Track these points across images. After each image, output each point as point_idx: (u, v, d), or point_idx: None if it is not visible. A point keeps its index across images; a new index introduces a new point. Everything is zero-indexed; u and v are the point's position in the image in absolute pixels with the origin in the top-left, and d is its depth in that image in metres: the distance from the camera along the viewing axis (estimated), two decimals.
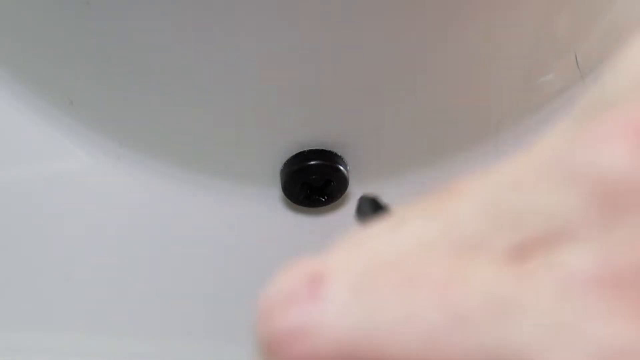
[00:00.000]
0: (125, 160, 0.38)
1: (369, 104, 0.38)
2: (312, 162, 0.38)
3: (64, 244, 0.40)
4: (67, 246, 0.40)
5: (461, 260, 0.13)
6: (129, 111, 0.37)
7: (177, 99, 0.37)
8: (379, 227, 0.14)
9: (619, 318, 0.11)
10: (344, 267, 0.13)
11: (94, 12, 0.33)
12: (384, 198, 0.41)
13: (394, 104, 0.38)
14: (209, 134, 0.38)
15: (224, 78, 0.35)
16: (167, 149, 0.39)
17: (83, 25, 0.34)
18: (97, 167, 0.38)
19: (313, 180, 0.38)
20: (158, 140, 0.38)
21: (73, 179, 0.39)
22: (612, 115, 0.12)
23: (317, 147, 0.38)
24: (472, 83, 0.38)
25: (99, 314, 0.41)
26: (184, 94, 0.36)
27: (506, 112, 0.40)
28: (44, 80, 0.36)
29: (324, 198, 0.39)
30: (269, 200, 0.40)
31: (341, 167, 0.38)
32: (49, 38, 0.35)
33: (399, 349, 0.12)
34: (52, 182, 0.39)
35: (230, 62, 0.35)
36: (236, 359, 0.40)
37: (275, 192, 0.40)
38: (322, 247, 0.15)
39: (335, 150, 0.39)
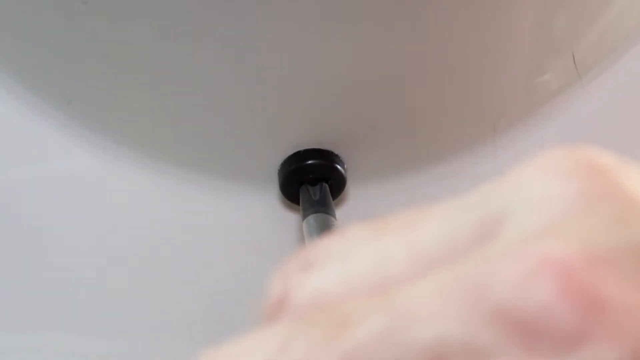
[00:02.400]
0: (124, 159, 0.38)
1: (368, 104, 0.38)
2: (310, 162, 0.38)
3: (63, 244, 0.40)
4: (66, 246, 0.40)
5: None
6: (128, 111, 0.37)
7: (176, 99, 0.37)
8: (361, 232, 0.15)
9: None
10: (325, 255, 0.15)
11: (92, 11, 0.33)
12: (382, 197, 0.41)
13: (392, 104, 0.38)
14: (207, 133, 0.38)
15: (223, 78, 0.36)
16: (165, 148, 0.39)
17: (81, 24, 0.34)
18: (96, 166, 0.38)
19: (310, 180, 0.38)
20: (156, 139, 0.38)
21: (71, 179, 0.39)
22: (531, 251, 0.12)
23: (315, 147, 0.39)
24: (470, 83, 0.38)
25: (99, 314, 0.41)
26: (183, 93, 0.36)
27: (504, 112, 0.40)
28: (42, 80, 0.36)
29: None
30: (267, 200, 0.40)
31: (339, 167, 0.38)
32: (47, 37, 0.35)
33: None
34: (51, 181, 0.39)
35: (229, 62, 0.35)
36: None
37: (273, 191, 0.40)
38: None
39: (332, 149, 0.39)
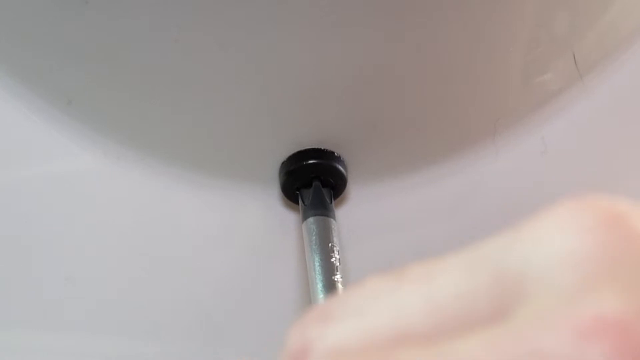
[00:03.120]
0: (124, 159, 0.38)
1: (368, 104, 0.38)
2: (310, 162, 0.38)
3: (64, 243, 0.39)
4: (67, 245, 0.40)
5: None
6: (128, 111, 0.37)
7: (176, 98, 0.37)
8: (379, 283, 0.15)
9: None
10: (343, 308, 0.15)
11: (93, 11, 0.33)
12: (382, 197, 0.41)
13: (392, 104, 0.38)
14: (208, 133, 0.38)
15: (223, 78, 0.35)
16: (166, 147, 0.39)
17: (81, 24, 0.34)
18: (96, 166, 0.38)
19: (310, 181, 0.38)
20: (157, 139, 0.38)
21: (72, 178, 0.39)
22: (581, 313, 0.12)
23: (315, 147, 0.39)
24: (471, 83, 0.38)
25: (99, 314, 0.41)
26: (183, 93, 0.36)
27: (505, 112, 0.40)
28: (43, 80, 0.36)
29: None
30: (267, 199, 0.40)
31: (339, 167, 0.38)
32: (47, 37, 0.35)
33: None
34: (51, 181, 0.39)
35: (229, 62, 0.35)
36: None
37: (273, 191, 0.40)
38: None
39: (333, 149, 0.39)
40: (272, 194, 0.40)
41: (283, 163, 0.38)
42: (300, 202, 0.38)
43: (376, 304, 0.14)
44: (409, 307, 0.14)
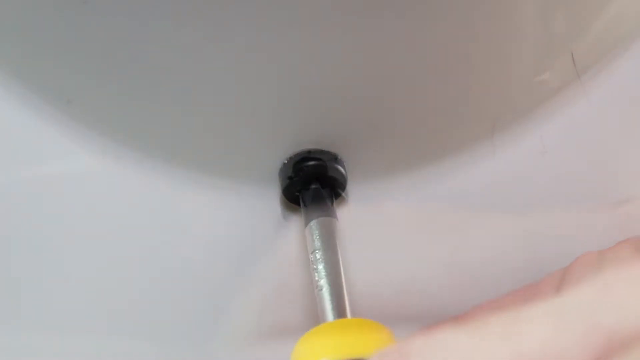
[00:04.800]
0: (124, 160, 0.38)
1: (367, 103, 0.38)
2: (310, 164, 0.38)
3: (63, 244, 0.39)
4: (66, 245, 0.40)
5: None
6: (128, 110, 0.37)
7: (176, 98, 0.37)
8: (455, 335, 0.15)
9: None
10: (427, 351, 0.15)
11: (92, 10, 0.33)
12: (382, 197, 0.41)
13: (391, 103, 0.38)
14: (208, 132, 0.38)
15: (223, 77, 0.36)
16: (166, 148, 0.39)
17: (80, 23, 0.34)
18: (96, 167, 0.38)
19: (311, 183, 0.38)
20: (157, 139, 0.38)
21: (71, 178, 0.39)
22: None
23: (315, 147, 0.39)
24: (469, 82, 0.38)
25: (99, 314, 0.41)
26: (182, 92, 0.36)
27: (503, 111, 0.40)
28: (41, 79, 0.36)
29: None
30: (268, 199, 0.40)
31: (339, 168, 0.38)
32: (46, 36, 0.35)
33: None
34: (50, 182, 0.39)
35: (229, 61, 0.35)
36: None
37: (274, 191, 0.40)
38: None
39: (332, 149, 0.39)
40: (273, 194, 0.40)
41: (283, 165, 0.38)
42: (301, 203, 0.38)
43: (460, 350, 0.14)
44: (497, 356, 0.14)
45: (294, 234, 0.40)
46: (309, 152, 0.38)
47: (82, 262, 0.40)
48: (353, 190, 0.39)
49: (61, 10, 0.33)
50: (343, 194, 0.39)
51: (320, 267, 0.34)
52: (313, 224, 0.36)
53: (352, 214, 0.39)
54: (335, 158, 0.38)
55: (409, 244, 0.42)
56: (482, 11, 0.35)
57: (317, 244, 0.35)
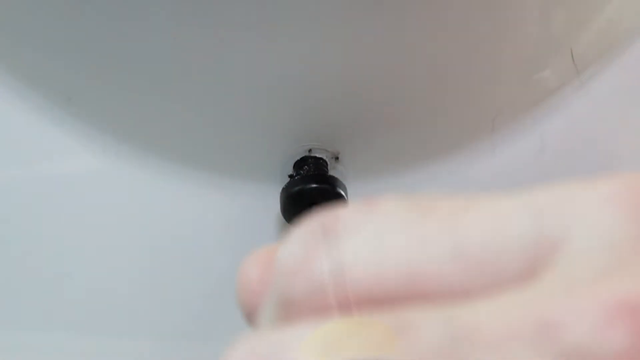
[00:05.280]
0: (124, 157, 0.38)
1: (365, 102, 0.38)
2: (311, 186, 0.37)
3: (63, 243, 0.39)
4: (66, 244, 0.40)
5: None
6: (128, 108, 0.37)
7: (176, 96, 0.37)
8: (397, 208, 0.14)
9: None
10: (355, 226, 0.13)
11: (93, 9, 0.33)
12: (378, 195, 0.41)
13: (390, 102, 0.38)
14: (208, 131, 0.38)
15: (223, 76, 0.36)
16: (166, 145, 0.39)
17: (81, 21, 0.34)
18: (96, 165, 0.38)
19: (312, 206, 0.38)
20: (157, 137, 0.38)
21: (71, 177, 0.39)
22: (608, 292, 0.12)
23: (314, 146, 0.39)
24: (468, 80, 0.38)
25: (99, 314, 0.41)
26: (183, 90, 0.36)
27: (503, 109, 0.40)
28: (42, 77, 0.36)
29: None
30: (270, 199, 0.40)
31: (340, 192, 0.38)
32: (46, 34, 0.35)
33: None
34: (50, 180, 0.39)
35: (229, 61, 0.35)
36: None
37: (275, 191, 0.40)
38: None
39: (333, 149, 0.39)
40: (273, 193, 0.40)
41: (283, 188, 0.38)
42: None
43: (395, 233, 0.13)
44: (431, 247, 0.13)
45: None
46: (310, 176, 0.38)
47: (83, 261, 0.40)
48: (353, 189, 0.39)
49: (61, 9, 0.33)
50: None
51: None
52: None
53: None
54: (336, 183, 0.38)
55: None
56: (482, 10, 0.35)
57: None
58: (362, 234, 0.13)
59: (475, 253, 0.13)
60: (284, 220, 0.39)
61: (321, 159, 0.39)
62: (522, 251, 0.13)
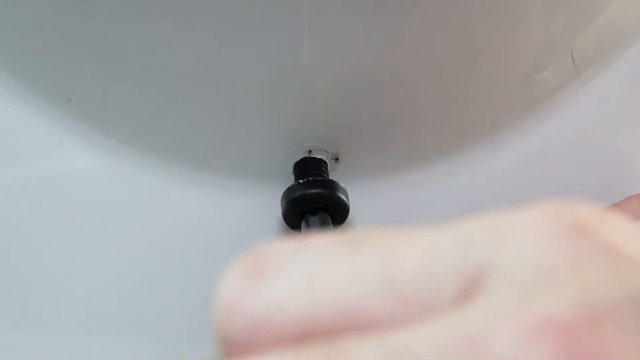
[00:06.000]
0: (124, 158, 0.38)
1: (366, 102, 0.38)
2: (313, 191, 0.37)
3: (63, 243, 0.39)
4: (66, 245, 0.40)
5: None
6: (127, 109, 0.37)
7: (176, 97, 0.37)
8: (330, 243, 0.14)
9: None
10: (286, 261, 0.14)
11: (92, 9, 0.33)
12: (381, 197, 0.41)
13: (390, 102, 0.38)
14: (208, 131, 0.38)
15: (223, 76, 0.35)
16: (165, 146, 0.39)
17: (80, 22, 0.34)
18: (95, 165, 0.38)
19: (313, 210, 0.37)
20: (156, 138, 0.38)
21: (71, 178, 0.39)
22: (530, 310, 0.12)
23: (315, 146, 0.38)
24: (468, 81, 0.38)
25: (99, 314, 0.41)
26: (183, 91, 0.36)
27: (503, 110, 0.40)
28: (41, 78, 0.36)
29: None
30: (269, 199, 0.40)
31: (341, 196, 0.37)
32: (45, 35, 0.35)
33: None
34: (50, 180, 0.39)
35: (229, 61, 0.35)
36: None
37: (275, 190, 0.40)
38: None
39: (332, 150, 0.39)
40: (274, 193, 0.40)
41: (285, 192, 0.38)
42: (303, 229, 0.37)
43: (326, 268, 0.13)
44: (363, 279, 0.13)
45: (295, 234, 0.40)
46: (312, 181, 0.38)
47: (82, 261, 0.40)
48: (353, 190, 0.39)
49: (60, 8, 0.33)
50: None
51: None
52: None
53: (351, 213, 0.39)
54: (337, 187, 0.38)
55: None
56: (482, 11, 0.35)
57: None
58: (295, 269, 0.14)
59: (406, 283, 0.13)
60: (284, 221, 0.39)
61: (321, 160, 0.39)
62: (452, 278, 0.13)
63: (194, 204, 0.40)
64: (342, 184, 0.38)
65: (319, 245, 0.14)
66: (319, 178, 0.38)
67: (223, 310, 0.14)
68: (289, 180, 0.38)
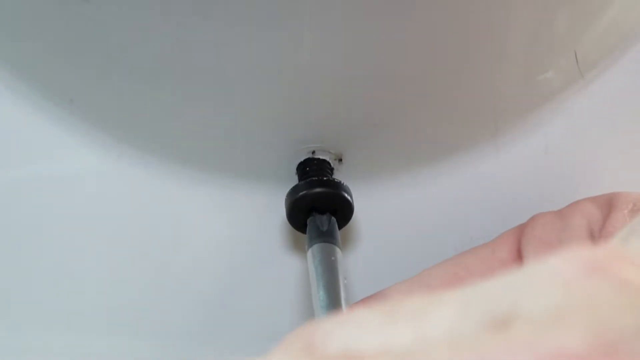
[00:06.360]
0: (127, 158, 0.38)
1: (367, 102, 0.38)
2: (317, 190, 0.37)
3: (64, 243, 0.40)
4: (68, 245, 0.40)
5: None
6: (131, 109, 0.37)
7: (178, 97, 0.37)
8: (369, 316, 0.15)
9: None
10: (329, 339, 0.15)
11: (94, 9, 0.33)
12: (382, 197, 0.41)
13: (392, 103, 0.38)
14: (211, 132, 0.38)
15: (226, 75, 0.35)
16: (168, 146, 0.39)
17: (83, 22, 0.34)
18: (99, 165, 0.38)
19: (318, 210, 0.37)
20: (159, 138, 0.38)
21: (73, 178, 0.39)
22: (543, 343, 0.13)
23: (316, 146, 0.38)
24: (471, 81, 0.38)
25: (99, 314, 0.41)
26: (186, 91, 0.36)
27: (506, 110, 0.40)
28: (44, 78, 0.36)
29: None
30: (272, 199, 0.40)
31: (346, 196, 0.37)
32: (48, 35, 0.35)
33: None
34: (52, 180, 0.39)
35: (232, 60, 0.35)
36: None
37: (278, 190, 0.40)
38: None
39: (336, 151, 0.39)
40: (277, 193, 0.40)
41: (289, 192, 0.38)
42: (308, 229, 0.37)
43: (364, 338, 0.15)
44: (398, 337, 0.14)
45: (297, 235, 0.40)
46: (316, 181, 0.37)
47: (84, 261, 0.40)
48: (353, 190, 0.39)
49: (63, 8, 0.33)
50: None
51: (322, 293, 0.34)
52: (315, 247, 0.35)
53: (356, 214, 0.39)
54: (342, 187, 0.38)
55: (409, 243, 0.42)
56: (485, 11, 0.35)
57: (319, 270, 0.35)
58: (335, 344, 0.15)
59: (438, 339, 0.14)
60: (287, 221, 0.39)
61: (325, 160, 0.39)
62: (479, 326, 0.14)
63: (197, 204, 0.40)
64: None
65: (357, 319, 0.15)
66: (323, 178, 0.38)
67: None
68: (293, 180, 0.38)
